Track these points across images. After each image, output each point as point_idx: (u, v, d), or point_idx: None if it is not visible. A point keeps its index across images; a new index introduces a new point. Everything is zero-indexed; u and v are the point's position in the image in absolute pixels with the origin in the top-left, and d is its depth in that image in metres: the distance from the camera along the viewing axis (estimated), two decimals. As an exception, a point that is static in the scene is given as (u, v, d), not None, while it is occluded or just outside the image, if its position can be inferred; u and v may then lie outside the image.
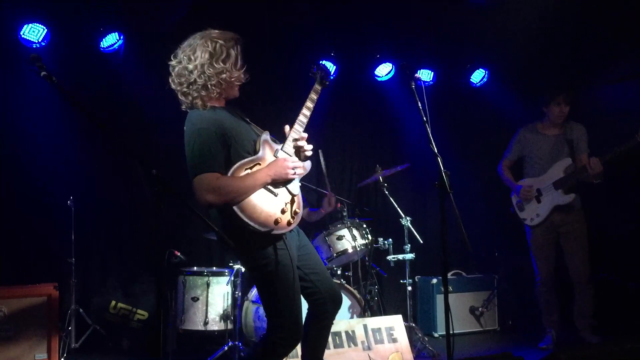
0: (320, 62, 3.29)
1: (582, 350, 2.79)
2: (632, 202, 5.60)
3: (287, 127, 3.09)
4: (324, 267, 3.17)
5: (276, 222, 2.83)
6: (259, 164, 2.90)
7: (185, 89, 2.92)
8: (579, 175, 4.76)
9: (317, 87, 3.22)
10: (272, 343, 2.90)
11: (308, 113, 3.13)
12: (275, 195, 2.89)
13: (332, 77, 3.26)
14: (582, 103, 5.97)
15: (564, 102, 4.92)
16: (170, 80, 2.98)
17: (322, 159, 4.91)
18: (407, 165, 5.02)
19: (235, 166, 2.85)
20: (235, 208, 2.77)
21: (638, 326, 5.03)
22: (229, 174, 2.82)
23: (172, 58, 2.98)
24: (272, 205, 2.85)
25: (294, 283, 2.90)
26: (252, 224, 2.77)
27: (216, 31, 2.98)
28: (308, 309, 3.05)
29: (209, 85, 2.90)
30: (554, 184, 4.88)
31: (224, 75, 2.92)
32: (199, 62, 2.88)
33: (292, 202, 2.95)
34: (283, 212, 2.87)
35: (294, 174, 2.94)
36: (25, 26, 4.98)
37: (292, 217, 2.91)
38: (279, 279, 2.85)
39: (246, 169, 2.86)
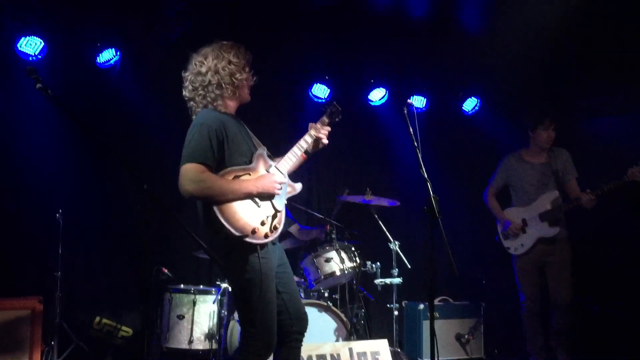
0: (334, 101, 3.43)
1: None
2: (618, 231, 5.63)
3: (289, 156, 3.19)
4: (296, 288, 3.22)
5: (253, 231, 2.88)
6: (249, 174, 2.97)
7: (201, 92, 3.04)
8: (568, 207, 4.79)
9: (325, 119, 3.35)
10: (246, 353, 2.93)
11: (310, 140, 3.25)
12: (259, 206, 2.94)
13: (339, 117, 3.40)
14: (573, 134, 6.06)
15: (552, 126, 4.91)
16: (184, 91, 3.11)
17: (343, 197, 4.94)
18: (396, 204, 5.04)
19: (226, 169, 2.93)
20: (215, 208, 2.83)
21: (610, 349, 5.06)
22: (218, 175, 2.89)
23: (183, 72, 3.12)
24: (253, 215, 2.91)
25: (272, 294, 2.95)
26: (227, 226, 2.82)
27: (221, 41, 3.13)
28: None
29: (223, 84, 3.03)
30: (540, 215, 4.90)
31: (237, 75, 3.06)
32: (211, 64, 3.03)
33: (274, 216, 2.99)
34: (262, 223, 2.92)
35: (280, 189, 3.01)
36: (23, 39, 5.01)
37: (271, 231, 2.95)
38: (257, 287, 2.88)
39: (235, 175, 2.93)
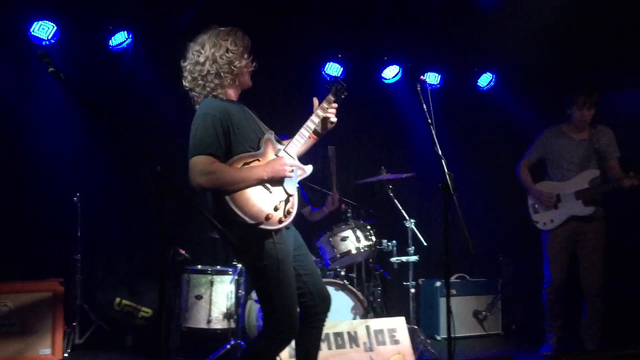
0: (338, 77, 3.34)
1: (582, 356, 2.79)
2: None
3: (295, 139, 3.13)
4: (317, 269, 3.22)
5: (267, 217, 2.86)
6: (259, 160, 2.95)
7: (200, 82, 3.00)
8: (607, 188, 4.64)
9: (330, 97, 3.27)
10: (268, 338, 2.94)
11: (317, 120, 3.19)
12: (270, 192, 2.93)
13: (345, 95, 3.31)
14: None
15: (585, 105, 4.73)
16: (183, 81, 3.07)
17: (332, 156, 4.93)
18: (412, 175, 5.01)
19: (234, 158, 2.91)
20: (227, 198, 2.81)
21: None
22: (227, 163, 2.87)
23: (182, 62, 3.07)
24: (265, 201, 2.89)
25: (290, 279, 2.95)
26: (241, 214, 2.81)
27: (220, 27, 3.07)
28: (299, 312, 3.06)
29: (222, 73, 2.99)
30: (576, 193, 4.73)
31: (236, 62, 3.01)
32: (209, 53, 2.98)
33: (287, 201, 2.97)
34: (276, 209, 2.90)
35: (291, 171, 2.98)
36: (35, 23, 5.02)
37: (285, 216, 2.93)
38: (275, 274, 2.88)
39: (244, 163, 2.91)
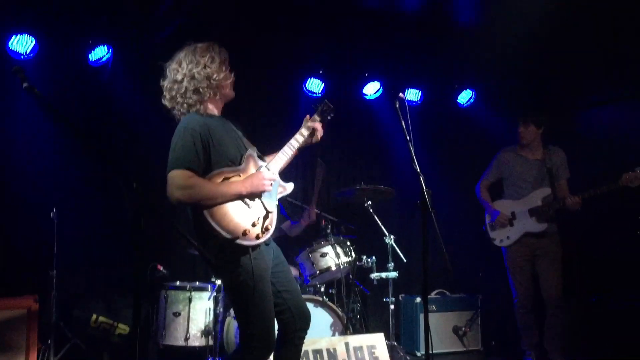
0: (325, 99, 3.39)
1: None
2: (610, 227, 5.60)
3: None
4: (296, 285, 3.21)
5: (244, 233, 2.85)
6: (239, 175, 2.95)
7: (179, 99, 3.00)
8: (557, 206, 4.81)
9: (316, 117, 3.29)
10: (245, 354, 2.92)
11: (300, 139, 3.21)
12: (249, 207, 2.93)
13: (331, 115, 3.36)
14: (565, 126, 6.05)
15: (524, 124, 4.98)
16: (163, 100, 3.07)
17: (319, 172, 4.95)
18: (389, 189, 5.01)
19: (214, 172, 2.90)
20: (205, 212, 2.81)
21: (607, 348, 5.04)
22: (207, 177, 2.87)
23: (161, 81, 3.08)
24: (244, 217, 2.88)
25: (267, 295, 2.94)
26: (218, 229, 2.80)
27: (196, 43, 3.08)
28: (277, 329, 3.06)
29: (201, 89, 2.99)
30: (529, 211, 4.93)
31: (214, 76, 3.01)
32: (186, 70, 2.99)
33: (266, 217, 2.97)
34: (254, 225, 2.90)
35: (270, 185, 2.98)
36: (13, 37, 4.98)
37: (262, 232, 2.93)
38: (252, 289, 2.87)
39: (225, 177, 2.90)
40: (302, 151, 3.31)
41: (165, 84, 3.05)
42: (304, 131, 3.22)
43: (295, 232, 5.04)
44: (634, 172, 4.44)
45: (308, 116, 3.29)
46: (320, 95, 6.15)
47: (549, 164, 4.96)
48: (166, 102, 3.06)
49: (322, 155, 6.21)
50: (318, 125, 3.26)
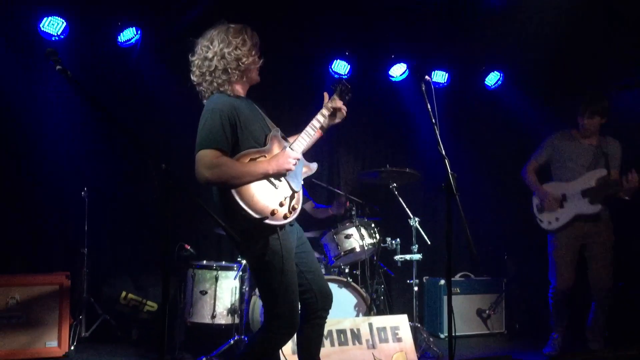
0: (343, 78, 3.40)
1: (584, 356, 2.80)
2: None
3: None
4: (319, 266, 3.25)
5: (272, 213, 2.88)
6: (265, 156, 2.98)
7: (208, 77, 3.02)
8: (610, 189, 4.64)
9: (335, 97, 3.30)
10: (269, 332, 2.97)
11: (322, 119, 3.22)
12: (276, 187, 2.96)
13: (349, 96, 3.37)
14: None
15: (586, 113, 4.78)
16: (191, 75, 3.09)
17: (342, 202, 5.00)
18: (415, 172, 4.99)
19: (241, 153, 2.93)
20: (233, 192, 2.84)
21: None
22: (233, 159, 2.90)
23: (190, 56, 3.09)
24: (271, 197, 2.92)
25: (292, 274, 2.97)
26: (247, 209, 2.83)
27: (229, 23, 3.09)
28: (300, 309, 3.10)
29: (229, 70, 3.01)
30: (582, 192, 4.74)
31: (244, 59, 3.02)
32: (217, 49, 3.00)
33: (292, 197, 3.00)
34: (281, 205, 2.93)
35: (295, 164, 3.00)
36: (45, 19, 5.07)
37: (290, 212, 2.96)
38: (277, 269, 2.90)
39: (250, 159, 2.94)
40: (331, 137, 3.32)
41: (195, 59, 3.07)
42: (325, 111, 3.24)
43: (320, 216, 5.07)
44: None
45: (326, 94, 3.30)
46: (346, 76, 6.14)
47: (605, 149, 4.80)
48: (194, 78, 3.08)
49: (346, 137, 6.25)
50: (340, 104, 3.27)
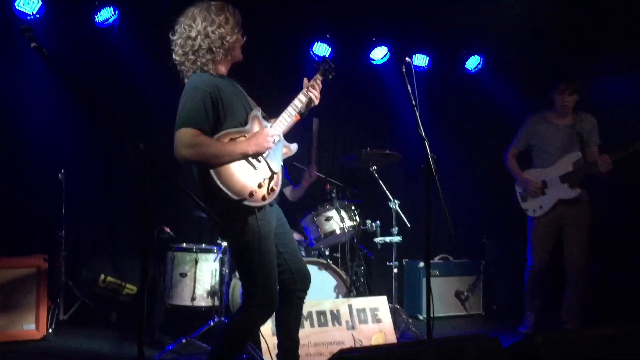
0: (327, 57, 3.38)
1: (559, 334, 2.83)
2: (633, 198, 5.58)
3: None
4: (297, 247, 3.26)
5: (251, 194, 2.88)
6: (245, 136, 2.96)
7: (191, 56, 2.98)
8: (588, 170, 4.69)
9: (318, 76, 3.29)
10: (248, 312, 2.98)
11: (304, 99, 3.21)
12: (255, 169, 2.95)
13: (333, 74, 3.34)
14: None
15: (566, 91, 4.80)
16: (173, 55, 3.05)
17: (316, 129, 4.95)
18: (395, 153, 5.00)
19: (221, 132, 2.91)
20: (212, 172, 2.83)
21: (621, 315, 5.09)
22: (213, 138, 2.88)
23: (171, 35, 3.05)
24: (250, 178, 2.91)
25: (271, 255, 2.98)
26: (225, 190, 2.83)
27: (210, 1, 3.04)
28: (278, 289, 3.10)
29: (214, 48, 2.97)
30: (561, 177, 4.79)
31: (227, 38, 2.99)
32: (200, 28, 2.95)
33: (271, 178, 3.00)
34: (260, 186, 2.93)
35: (274, 142, 3.00)
36: (19, -3, 4.97)
37: (268, 193, 2.96)
38: (257, 250, 2.91)
39: (231, 138, 2.92)
40: (305, 117, 3.31)
41: (177, 38, 3.01)
42: (306, 91, 3.22)
43: (297, 196, 5.07)
44: None
45: (306, 79, 3.28)
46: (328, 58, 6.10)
47: (579, 129, 4.83)
48: (176, 57, 3.03)
49: (327, 119, 6.23)
50: (315, 84, 3.24)
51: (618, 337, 2.61)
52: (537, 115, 5.04)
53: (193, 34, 2.95)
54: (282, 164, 3.13)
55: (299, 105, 3.19)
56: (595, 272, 5.47)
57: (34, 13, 5.02)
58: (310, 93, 3.23)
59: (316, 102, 3.26)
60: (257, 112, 3.10)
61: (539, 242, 4.92)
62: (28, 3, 4.99)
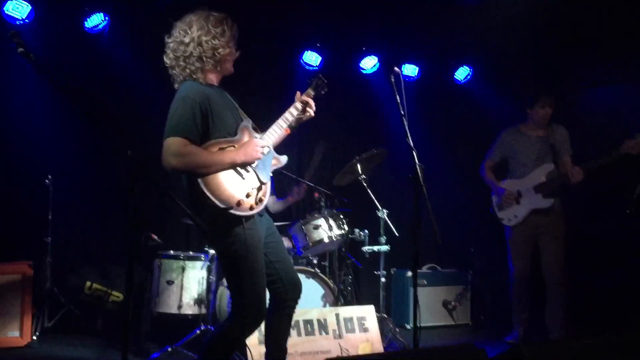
0: (320, 73, 3.39)
1: (544, 345, 2.84)
2: (609, 205, 5.65)
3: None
4: (288, 256, 3.26)
5: (238, 203, 2.88)
6: (234, 147, 2.96)
7: (181, 62, 2.98)
8: (561, 181, 4.81)
9: (310, 92, 3.30)
10: (236, 322, 2.96)
11: (295, 112, 3.21)
12: (243, 178, 2.95)
13: (325, 90, 3.35)
14: (566, 105, 6.06)
15: (548, 104, 4.94)
16: (165, 57, 3.05)
17: (321, 149, 4.96)
18: (384, 150, 5.00)
19: (210, 142, 2.91)
20: (199, 181, 2.83)
21: (607, 325, 5.12)
22: (202, 147, 2.88)
23: (166, 37, 3.05)
24: (238, 187, 2.91)
25: (259, 265, 2.97)
26: (212, 198, 2.82)
27: (211, 10, 3.05)
28: (269, 298, 3.11)
29: (204, 58, 2.97)
30: (535, 187, 4.92)
31: (220, 50, 2.99)
32: (195, 35, 2.96)
33: (259, 189, 3.00)
34: (248, 195, 2.92)
35: (262, 153, 3.01)
36: (9, 2, 4.93)
37: (256, 203, 2.96)
38: (245, 259, 2.90)
39: (220, 148, 2.92)
40: (301, 128, 3.31)
41: (170, 41, 3.02)
42: (298, 105, 3.23)
43: (278, 209, 5.04)
44: (635, 138, 4.44)
45: (299, 93, 3.28)
46: (317, 68, 6.13)
47: (552, 140, 4.97)
48: (167, 60, 3.04)
49: (316, 128, 6.22)
50: (310, 100, 3.24)
51: (603, 347, 2.63)
52: (511, 128, 5.20)
53: (186, 40, 2.96)
54: (270, 174, 3.13)
55: (290, 117, 3.20)
56: (581, 281, 5.52)
57: (24, 18, 4.99)
58: (308, 110, 3.23)
59: (312, 115, 3.25)
60: (248, 123, 3.10)
61: (518, 248, 5.04)
62: (17, 8, 4.96)
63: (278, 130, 3.16)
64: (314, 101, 3.28)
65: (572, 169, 4.70)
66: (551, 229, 4.93)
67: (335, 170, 5.94)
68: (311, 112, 3.25)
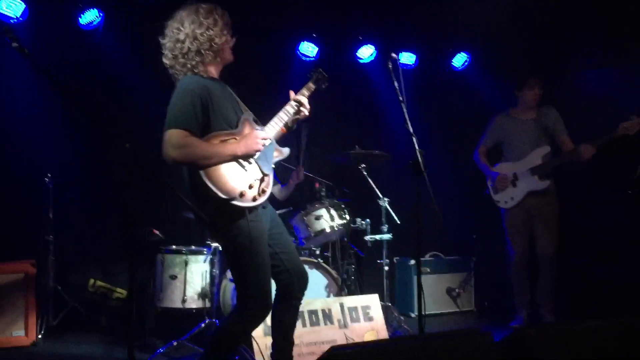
0: (320, 67, 3.38)
1: (550, 328, 2.84)
2: (605, 190, 5.66)
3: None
4: (293, 247, 3.25)
5: (241, 194, 2.86)
6: (235, 139, 2.95)
7: (181, 59, 2.98)
8: (566, 159, 4.86)
9: (311, 85, 3.31)
10: (242, 314, 2.96)
11: (291, 111, 3.21)
12: (245, 170, 2.94)
13: (326, 84, 3.35)
14: (563, 88, 6.06)
15: (537, 85, 5.01)
16: (163, 58, 3.04)
17: (304, 133, 4.96)
18: (385, 154, 5.03)
19: (212, 134, 2.90)
20: (201, 173, 2.82)
21: (600, 309, 5.14)
22: (203, 139, 2.87)
23: (161, 39, 3.05)
24: (240, 179, 2.90)
25: (264, 257, 2.96)
26: (214, 189, 2.81)
27: (199, 3, 3.04)
28: (275, 289, 3.10)
29: (203, 51, 2.97)
30: (531, 170, 4.98)
31: (216, 40, 2.99)
32: (189, 31, 2.96)
33: (262, 180, 2.99)
34: (250, 187, 2.91)
35: (264, 145, 2.99)
36: (3, 0, 4.90)
37: (259, 194, 2.94)
38: (249, 251, 2.89)
39: (221, 140, 2.91)
40: (292, 130, 3.30)
41: (166, 42, 3.02)
42: (293, 104, 3.22)
43: (285, 195, 5.06)
44: (631, 120, 4.49)
45: (292, 92, 3.26)
46: (314, 59, 6.11)
47: (544, 122, 5.02)
48: (166, 61, 3.03)
49: (315, 118, 6.20)
50: (304, 100, 3.23)
51: (608, 329, 2.63)
52: (502, 113, 5.27)
53: (181, 37, 2.96)
54: (273, 166, 3.12)
55: (291, 110, 3.20)
56: (578, 266, 5.57)
57: (18, 16, 4.96)
58: (302, 110, 3.22)
59: (307, 114, 3.25)
60: (249, 115, 3.10)
61: (515, 230, 5.11)
62: (11, 6, 4.93)
63: (279, 122, 3.16)
64: (313, 91, 3.28)
65: (581, 147, 4.71)
66: (546, 209, 5.01)
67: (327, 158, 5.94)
68: (305, 111, 3.25)
